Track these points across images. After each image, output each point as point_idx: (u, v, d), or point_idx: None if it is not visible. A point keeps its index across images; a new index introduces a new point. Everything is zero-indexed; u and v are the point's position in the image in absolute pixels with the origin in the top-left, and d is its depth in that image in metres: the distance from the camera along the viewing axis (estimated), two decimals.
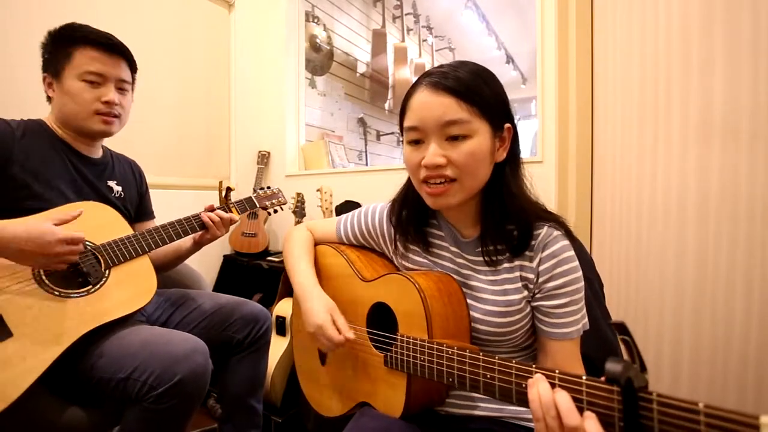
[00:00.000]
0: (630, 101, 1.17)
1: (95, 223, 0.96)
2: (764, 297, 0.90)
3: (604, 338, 0.83)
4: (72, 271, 0.89)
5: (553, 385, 0.49)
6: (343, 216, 0.90)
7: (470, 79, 0.64)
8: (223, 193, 1.21)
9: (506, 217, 0.68)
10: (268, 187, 1.33)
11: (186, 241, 1.13)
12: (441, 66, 0.67)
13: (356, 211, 0.88)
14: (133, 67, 1.08)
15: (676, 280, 1.03)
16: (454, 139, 0.64)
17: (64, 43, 0.98)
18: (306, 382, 0.92)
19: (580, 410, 0.47)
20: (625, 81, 1.19)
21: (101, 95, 0.99)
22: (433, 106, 0.64)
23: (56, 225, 0.82)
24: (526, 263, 0.68)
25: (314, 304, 0.76)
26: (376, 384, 0.74)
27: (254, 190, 1.29)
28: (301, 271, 0.84)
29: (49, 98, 1.02)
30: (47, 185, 0.95)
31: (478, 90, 0.64)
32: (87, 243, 0.93)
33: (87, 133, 1.03)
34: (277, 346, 1.54)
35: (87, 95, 0.98)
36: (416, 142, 0.67)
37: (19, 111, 1.03)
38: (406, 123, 0.68)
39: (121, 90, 1.04)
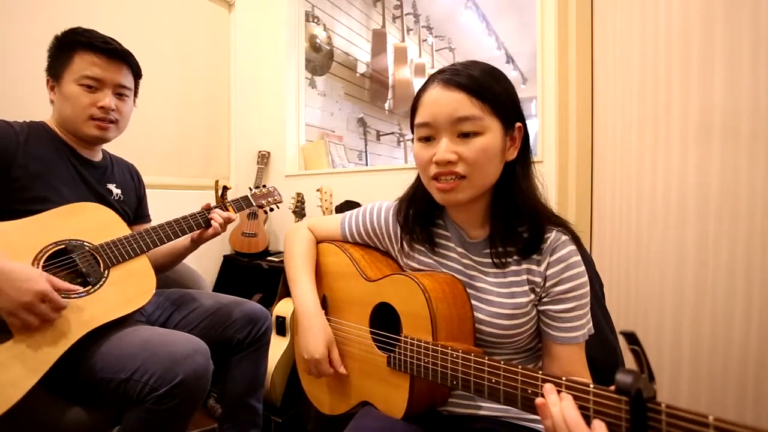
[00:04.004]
0: (630, 101, 1.17)
1: (94, 223, 0.96)
2: (764, 297, 0.90)
3: (605, 339, 0.83)
4: (71, 272, 0.89)
5: (558, 392, 0.49)
6: (347, 213, 0.89)
7: (482, 77, 0.64)
8: (220, 192, 1.21)
9: (516, 217, 0.68)
10: (264, 186, 1.34)
11: (182, 241, 1.13)
12: (453, 64, 0.67)
13: (361, 209, 0.88)
14: (136, 73, 1.07)
15: (676, 280, 1.03)
16: (466, 135, 0.64)
17: (66, 47, 0.98)
18: (307, 379, 0.92)
19: (587, 418, 0.47)
20: (625, 81, 1.19)
21: (97, 100, 0.98)
22: (445, 102, 0.64)
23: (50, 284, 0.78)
24: (534, 267, 0.68)
25: (315, 336, 0.78)
26: (379, 384, 0.74)
27: (250, 189, 1.30)
28: (302, 285, 0.84)
29: (52, 100, 1.02)
30: (49, 187, 0.95)
31: (489, 87, 0.64)
32: (86, 243, 0.93)
33: (83, 138, 1.03)
34: (277, 346, 1.54)
35: (83, 100, 0.97)
36: (427, 139, 0.67)
37: (20, 112, 1.03)
38: (418, 119, 0.67)
39: (120, 96, 1.03)
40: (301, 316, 0.81)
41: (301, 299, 0.82)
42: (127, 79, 1.04)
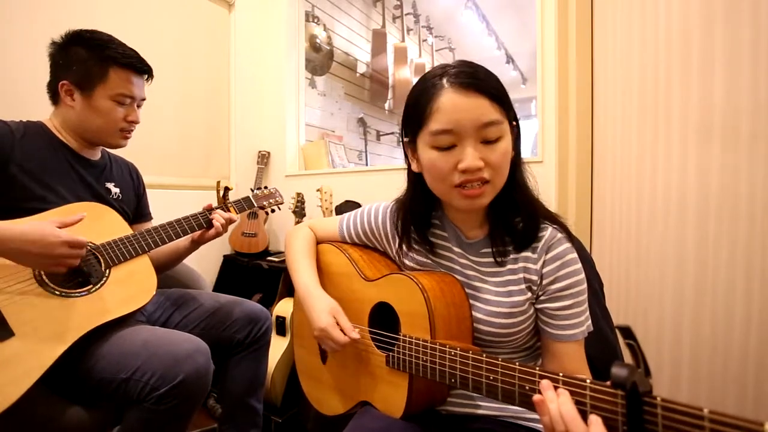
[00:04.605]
0: (630, 101, 1.17)
1: (95, 223, 0.96)
2: (764, 297, 0.90)
3: (604, 338, 0.83)
4: (72, 271, 0.89)
5: (555, 388, 0.49)
6: (346, 215, 0.90)
7: (490, 79, 0.64)
8: (221, 193, 1.22)
9: (515, 212, 0.69)
10: (266, 187, 1.35)
11: (183, 241, 1.13)
12: (450, 66, 0.65)
13: (359, 210, 0.88)
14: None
15: (676, 280, 1.03)
16: (488, 140, 0.63)
17: (98, 61, 0.98)
18: (306, 380, 0.92)
19: (584, 413, 0.47)
20: (625, 81, 1.19)
21: (127, 114, 1.04)
22: (468, 107, 0.62)
23: (59, 227, 0.82)
24: (530, 265, 0.68)
25: (316, 306, 0.76)
26: (378, 383, 0.74)
27: (252, 190, 1.30)
28: (302, 271, 0.84)
29: (55, 101, 1.01)
30: (46, 186, 0.95)
31: (500, 89, 0.64)
32: (87, 243, 0.93)
33: (104, 145, 1.09)
34: (277, 346, 1.54)
35: (116, 115, 1.02)
36: (446, 146, 0.64)
37: (20, 112, 1.03)
38: (437, 126, 0.63)
39: (139, 106, 1.08)
40: (301, 293, 0.81)
41: (300, 281, 0.82)
42: (145, 90, 1.08)
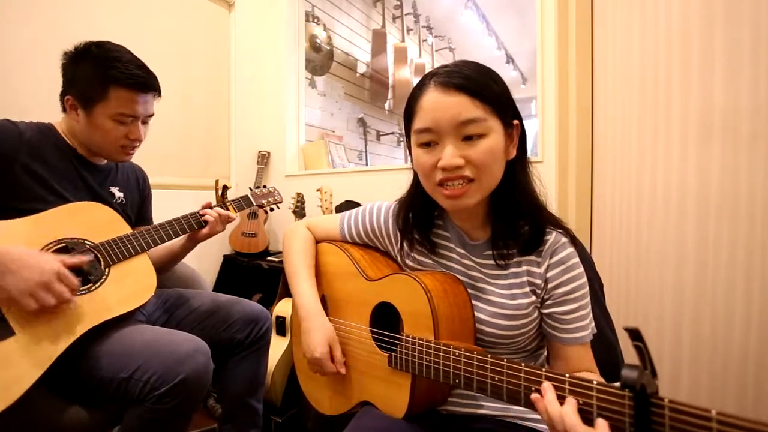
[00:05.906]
0: (630, 101, 1.17)
1: (94, 222, 0.97)
2: (764, 297, 0.90)
3: (605, 339, 0.83)
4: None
5: (563, 390, 0.50)
6: (346, 213, 0.89)
7: (478, 77, 0.63)
8: (220, 192, 1.22)
9: (517, 215, 0.68)
10: (264, 186, 1.35)
11: (179, 240, 1.13)
12: (445, 66, 0.66)
13: (360, 209, 0.87)
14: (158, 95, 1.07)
15: (676, 279, 1.03)
16: (470, 138, 0.63)
17: (100, 80, 0.95)
18: (305, 379, 0.92)
19: (591, 414, 0.47)
20: (625, 81, 1.19)
21: (129, 132, 1.02)
22: (446, 105, 0.62)
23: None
24: (534, 268, 0.68)
25: (316, 335, 0.78)
26: (379, 384, 0.74)
27: (250, 189, 1.30)
28: (302, 286, 0.84)
29: (64, 110, 1.01)
30: (49, 188, 0.95)
31: (489, 87, 0.63)
32: (87, 242, 0.93)
33: (107, 159, 1.08)
34: (277, 346, 1.54)
35: (116, 133, 1.00)
36: (428, 144, 0.65)
37: (21, 113, 1.03)
38: (418, 125, 0.66)
39: (144, 123, 1.05)
40: (302, 316, 0.81)
41: (301, 299, 0.82)
42: (153, 105, 1.05)
